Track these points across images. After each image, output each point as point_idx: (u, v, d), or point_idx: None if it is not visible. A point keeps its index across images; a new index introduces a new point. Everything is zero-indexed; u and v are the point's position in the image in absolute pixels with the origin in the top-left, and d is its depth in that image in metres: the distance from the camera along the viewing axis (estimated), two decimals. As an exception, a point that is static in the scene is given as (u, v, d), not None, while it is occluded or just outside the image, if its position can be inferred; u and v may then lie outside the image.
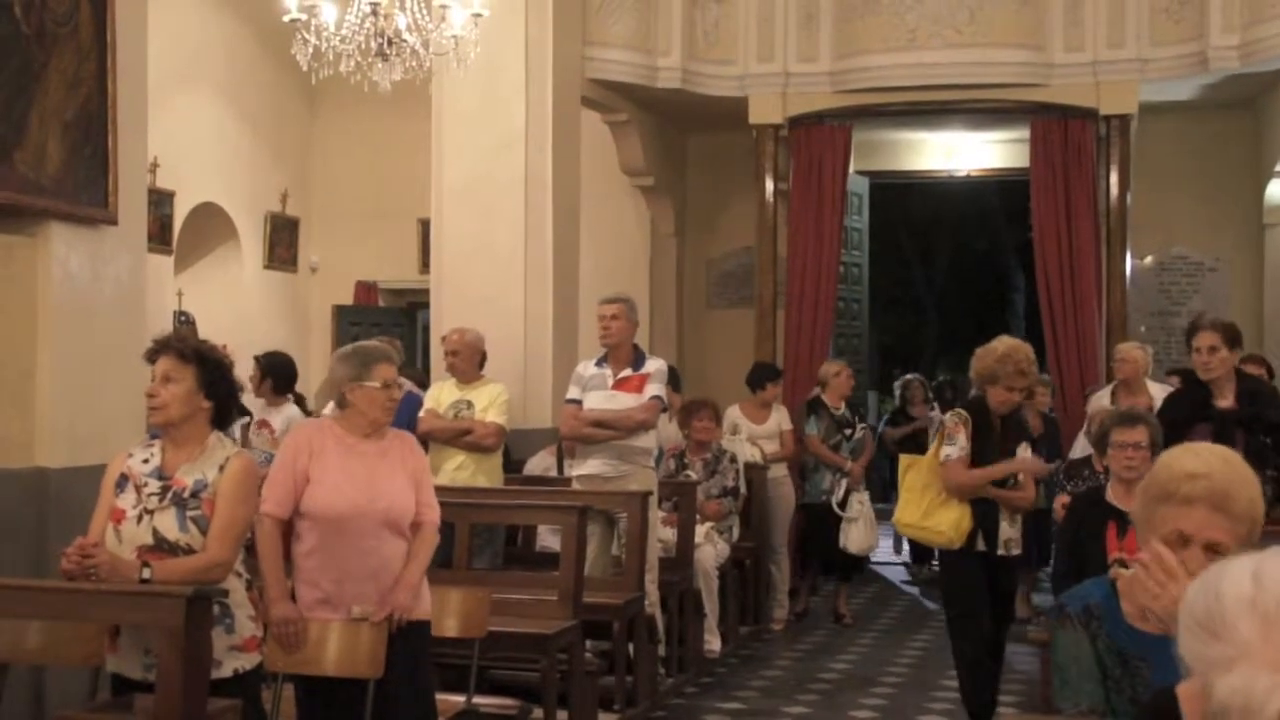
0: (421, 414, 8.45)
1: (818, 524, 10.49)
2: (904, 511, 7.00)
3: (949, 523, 6.70)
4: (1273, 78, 11.33)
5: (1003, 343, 6.85)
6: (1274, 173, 12.40)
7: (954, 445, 6.71)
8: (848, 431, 10.51)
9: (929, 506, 6.82)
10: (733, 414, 10.44)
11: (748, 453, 10.07)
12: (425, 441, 7.83)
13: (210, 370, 4.37)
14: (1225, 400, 6.71)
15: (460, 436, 8.37)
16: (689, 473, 9.29)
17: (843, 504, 10.33)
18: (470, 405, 8.47)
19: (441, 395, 8.63)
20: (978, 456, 6.67)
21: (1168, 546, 2.92)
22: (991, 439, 6.72)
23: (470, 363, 8.61)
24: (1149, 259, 13.12)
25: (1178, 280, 13.23)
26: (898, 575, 13.04)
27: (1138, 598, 2.97)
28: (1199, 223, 13.05)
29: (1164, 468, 3.03)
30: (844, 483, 10.36)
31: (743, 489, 9.62)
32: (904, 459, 7.33)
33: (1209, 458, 3.03)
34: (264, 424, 8.88)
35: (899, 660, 9.28)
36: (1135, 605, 3.03)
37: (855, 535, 10.25)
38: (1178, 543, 2.92)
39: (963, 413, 6.82)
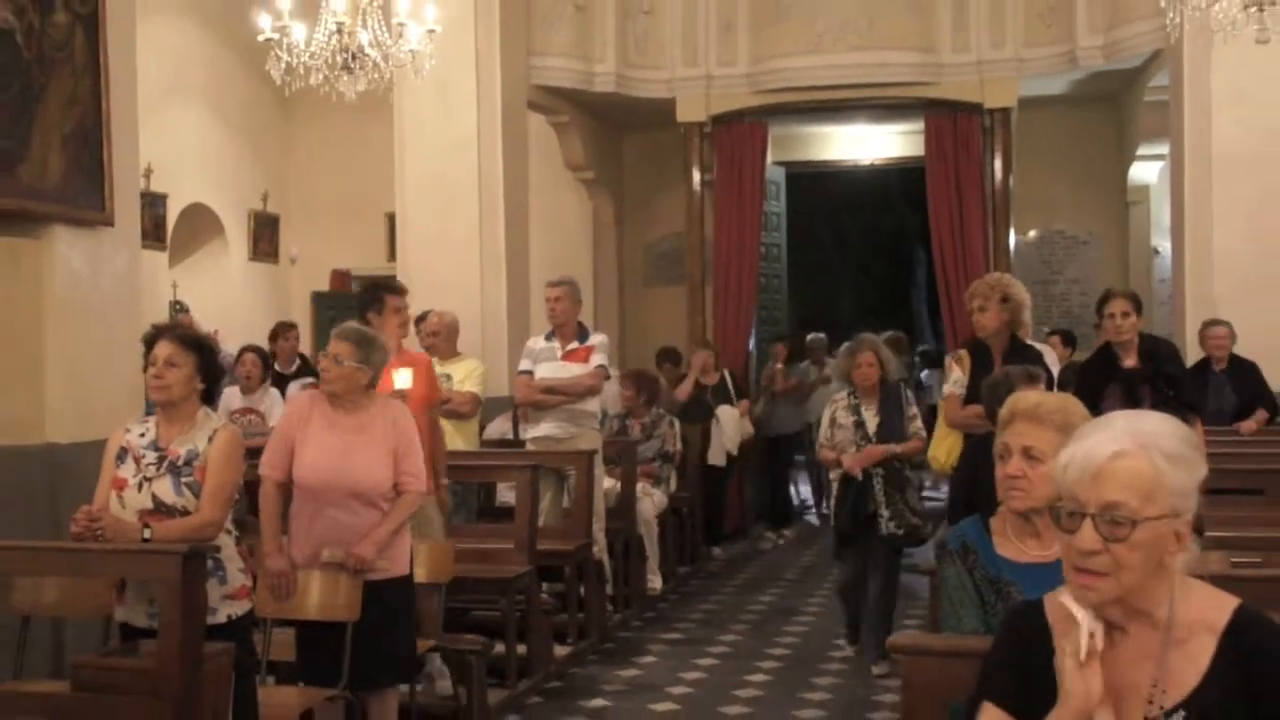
0: None
1: None
2: (930, 447, 6.94)
3: (943, 450, 6.56)
4: (1133, 74, 11.47)
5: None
6: (1135, 157, 12.59)
7: (949, 381, 6.48)
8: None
9: (936, 438, 6.74)
10: None
11: None
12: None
13: (207, 358, 4.40)
14: (1130, 360, 6.60)
15: (439, 405, 8.40)
16: (627, 421, 9.60)
17: None
18: (449, 378, 8.49)
19: (423, 371, 8.66)
20: (974, 391, 6.13)
21: (1000, 463, 3.18)
22: (990, 374, 6.01)
23: (450, 342, 8.64)
24: (1031, 234, 13.25)
25: (1056, 253, 13.38)
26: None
27: (1016, 505, 3.16)
28: (1073, 202, 13.20)
29: None
30: None
31: (678, 447, 9.77)
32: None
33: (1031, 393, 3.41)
34: (248, 410, 8.89)
35: (818, 593, 9.41)
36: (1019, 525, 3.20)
37: None
38: (1006, 456, 3.17)
39: (959, 351, 6.63)
